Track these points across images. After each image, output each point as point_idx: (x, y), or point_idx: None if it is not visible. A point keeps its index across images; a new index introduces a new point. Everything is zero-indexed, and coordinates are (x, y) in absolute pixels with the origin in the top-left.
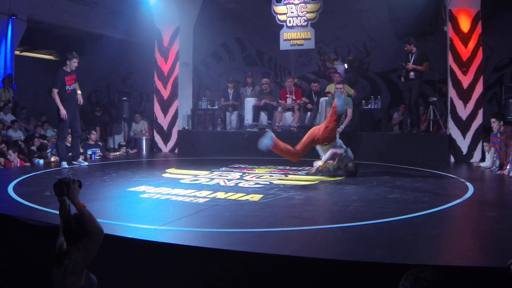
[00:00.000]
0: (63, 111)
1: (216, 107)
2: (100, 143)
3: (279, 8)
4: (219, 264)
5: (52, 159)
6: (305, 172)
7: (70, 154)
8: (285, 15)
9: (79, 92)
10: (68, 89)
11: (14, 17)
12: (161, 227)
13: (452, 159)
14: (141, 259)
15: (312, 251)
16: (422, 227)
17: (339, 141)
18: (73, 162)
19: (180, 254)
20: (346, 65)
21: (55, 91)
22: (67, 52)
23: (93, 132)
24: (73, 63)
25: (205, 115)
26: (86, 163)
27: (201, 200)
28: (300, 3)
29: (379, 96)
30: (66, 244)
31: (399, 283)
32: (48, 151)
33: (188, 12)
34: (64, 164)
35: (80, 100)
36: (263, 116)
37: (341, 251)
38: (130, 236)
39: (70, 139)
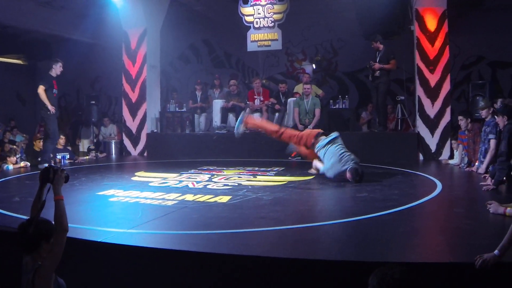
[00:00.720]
0: (50, 106)
1: (184, 109)
2: (69, 147)
3: (246, 10)
4: (187, 265)
5: (22, 164)
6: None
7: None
8: (252, 16)
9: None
10: (55, 92)
11: None
12: (130, 230)
13: (421, 157)
14: (110, 263)
15: (280, 251)
16: (390, 225)
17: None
18: (39, 166)
19: (148, 256)
20: (314, 66)
21: (42, 87)
22: (36, 57)
23: (61, 136)
24: (59, 68)
25: (173, 117)
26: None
27: (170, 203)
28: (267, 4)
29: (347, 96)
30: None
31: (368, 280)
32: (17, 156)
33: (155, 14)
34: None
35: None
36: (232, 118)
37: (309, 250)
38: (99, 240)
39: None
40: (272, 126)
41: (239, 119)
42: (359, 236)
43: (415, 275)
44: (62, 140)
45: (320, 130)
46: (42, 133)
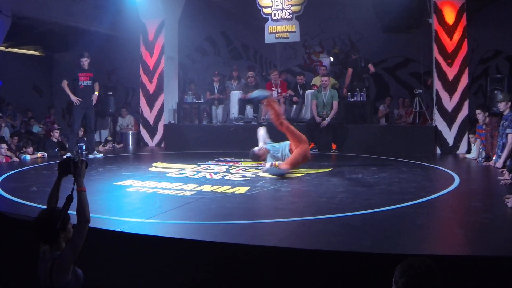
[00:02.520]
0: (73, 97)
1: (202, 101)
2: (85, 138)
3: (264, 1)
4: (205, 255)
5: (39, 154)
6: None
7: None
8: (270, 8)
9: (96, 93)
10: (81, 84)
11: None
12: (148, 220)
13: (438, 151)
14: (128, 252)
15: (298, 242)
16: (408, 218)
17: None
18: (89, 156)
19: (166, 246)
20: (331, 58)
21: (65, 82)
22: (53, 48)
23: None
24: (82, 61)
25: (190, 109)
26: (102, 155)
27: (188, 193)
28: None
29: (364, 89)
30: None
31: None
32: (34, 146)
33: (173, 6)
34: (96, 153)
35: (94, 100)
36: (249, 109)
37: (327, 241)
38: (116, 230)
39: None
40: (280, 110)
41: (264, 95)
42: (376, 228)
43: (439, 270)
44: (56, 133)
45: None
46: (48, 124)
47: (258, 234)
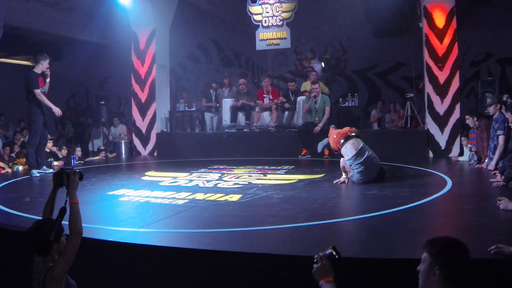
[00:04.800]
0: (55, 108)
1: (194, 109)
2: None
3: (254, 8)
4: (199, 264)
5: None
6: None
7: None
8: (261, 15)
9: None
10: (41, 90)
11: None
12: (141, 229)
13: (430, 154)
14: (121, 262)
15: (291, 248)
16: (401, 222)
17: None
18: (38, 171)
19: (160, 255)
20: (323, 64)
21: (38, 91)
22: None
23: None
24: (46, 64)
25: (183, 117)
26: (51, 170)
27: (180, 202)
28: (275, 2)
29: (356, 94)
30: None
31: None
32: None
33: (164, 14)
34: (35, 172)
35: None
36: (241, 117)
37: (319, 247)
38: (110, 239)
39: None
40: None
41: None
42: (369, 233)
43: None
44: (49, 144)
45: (348, 133)
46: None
47: (251, 241)
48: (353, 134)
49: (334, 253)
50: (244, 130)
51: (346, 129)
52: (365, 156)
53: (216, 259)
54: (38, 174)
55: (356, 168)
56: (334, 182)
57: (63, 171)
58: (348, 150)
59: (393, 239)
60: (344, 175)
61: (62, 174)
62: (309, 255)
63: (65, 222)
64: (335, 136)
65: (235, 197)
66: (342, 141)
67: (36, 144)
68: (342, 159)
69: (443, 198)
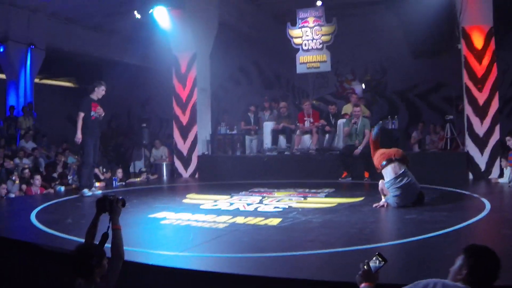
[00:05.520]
0: (79, 135)
1: (235, 131)
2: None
3: (294, 32)
4: None
5: (74, 186)
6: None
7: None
8: (301, 39)
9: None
10: (93, 115)
11: (33, 46)
12: (181, 253)
13: (470, 176)
14: (161, 286)
15: (327, 274)
16: (437, 248)
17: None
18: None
19: (199, 279)
20: (363, 85)
21: (81, 114)
22: (86, 79)
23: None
24: (101, 91)
25: (224, 139)
26: (100, 192)
27: (221, 226)
28: (315, 26)
29: (396, 116)
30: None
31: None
32: (69, 177)
33: (204, 38)
34: (86, 192)
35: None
36: (282, 140)
37: (356, 273)
38: (150, 263)
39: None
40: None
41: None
42: (406, 259)
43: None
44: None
45: (392, 156)
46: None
47: (289, 267)
48: (397, 158)
49: (380, 259)
50: (285, 153)
51: (393, 151)
52: (404, 182)
53: (253, 285)
54: (90, 194)
55: (393, 192)
56: (374, 205)
57: (106, 197)
58: (388, 173)
59: (429, 266)
60: (383, 198)
61: (105, 200)
62: (346, 281)
63: (107, 245)
64: (379, 155)
65: (275, 221)
66: (384, 162)
67: (91, 164)
68: (380, 181)
69: (481, 222)
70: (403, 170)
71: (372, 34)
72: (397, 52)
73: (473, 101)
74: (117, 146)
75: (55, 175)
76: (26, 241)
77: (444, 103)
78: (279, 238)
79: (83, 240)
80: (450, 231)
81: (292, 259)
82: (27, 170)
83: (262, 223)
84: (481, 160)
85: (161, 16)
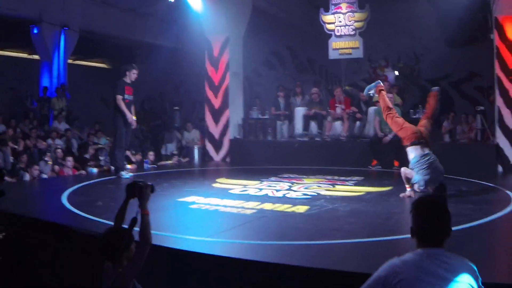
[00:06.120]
0: (129, 115)
1: (267, 116)
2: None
3: (327, 17)
4: (259, 276)
5: (105, 167)
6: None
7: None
8: (333, 24)
9: (134, 117)
10: (126, 98)
11: (67, 28)
12: (208, 238)
13: (500, 169)
14: (187, 269)
15: (348, 265)
16: (458, 242)
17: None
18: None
19: (224, 265)
20: (396, 72)
21: (120, 97)
22: (120, 61)
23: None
24: (133, 75)
25: (256, 124)
26: (131, 174)
27: (248, 212)
28: (348, 12)
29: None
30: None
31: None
32: (101, 159)
33: (238, 22)
34: (124, 174)
35: (133, 124)
36: (313, 126)
37: (377, 264)
38: (177, 247)
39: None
40: (388, 103)
41: (373, 84)
42: None
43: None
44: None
45: (415, 139)
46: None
47: (311, 256)
48: (422, 141)
49: None
50: (316, 139)
51: (421, 131)
52: (430, 160)
53: (276, 272)
54: (128, 176)
55: (421, 169)
56: (401, 195)
57: (136, 183)
58: (414, 150)
59: None
60: (408, 188)
61: (134, 186)
62: (367, 272)
63: (135, 229)
64: (404, 127)
65: (302, 209)
66: (408, 143)
67: (124, 146)
68: (402, 169)
69: (505, 217)
70: (426, 151)
71: (405, 21)
72: (431, 40)
73: (504, 92)
74: (150, 129)
75: (87, 156)
76: (56, 223)
77: (477, 93)
78: (305, 226)
79: (112, 223)
80: (473, 225)
81: (315, 248)
82: (59, 151)
83: (290, 210)
84: (511, 153)
85: None
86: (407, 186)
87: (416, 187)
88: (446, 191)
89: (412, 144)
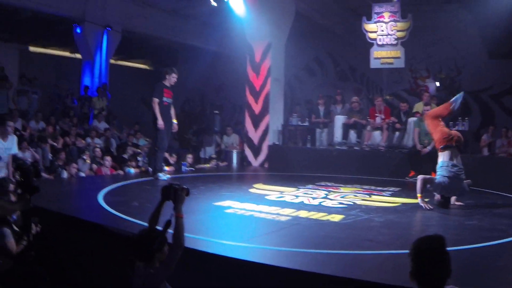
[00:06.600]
0: (160, 121)
1: (307, 123)
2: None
3: (369, 26)
4: (290, 284)
5: (143, 168)
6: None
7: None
8: (375, 33)
9: (174, 121)
10: (165, 101)
11: (109, 28)
12: (241, 243)
13: None
14: (218, 274)
15: (379, 276)
16: (490, 258)
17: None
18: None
19: (255, 271)
20: (437, 83)
21: (156, 100)
22: (162, 62)
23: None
24: (172, 78)
25: (295, 130)
26: (167, 177)
27: (283, 218)
28: (390, 21)
29: (466, 118)
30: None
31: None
32: (139, 159)
33: (280, 28)
34: (162, 175)
35: (175, 126)
36: (352, 134)
37: (405, 277)
38: (210, 251)
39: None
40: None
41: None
42: (457, 267)
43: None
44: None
45: (446, 142)
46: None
47: (343, 265)
48: (456, 145)
49: None
50: (355, 148)
51: (455, 136)
52: (455, 171)
53: (307, 281)
54: (165, 178)
55: (444, 175)
56: (424, 207)
57: (171, 186)
58: (445, 155)
59: (479, 276)
60: (419, 198)
61: (170, 188)
62: (396, 284)
63: (169, 231)
64: (442, 132)
65: (337, 218)
66: (442, 146)
67: (165, 148)
68: (421, 176)
69: None
70: (455, 162)
71: (447, 31)
72: (472, 51)
73: None
74: (194, 132)
75: (125, 156)
76: (91, 221)
77: None
78: (339, 235)
79: (146, 225)
80: (507, 241)
81: (348, 258)
82: (98, 150)
83: (324, 218)
84: None
85: (237, 4)
86: (418, 195)
87: (430, 187)
88: (449, 206)
89: (444, 148)
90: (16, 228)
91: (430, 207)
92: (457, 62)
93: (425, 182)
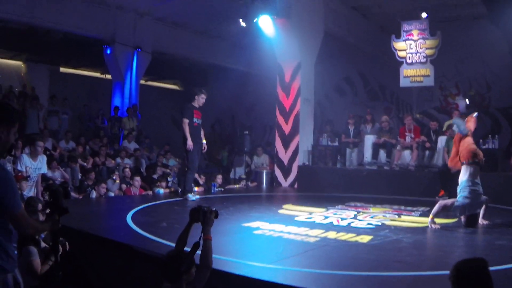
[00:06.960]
0: (189, 142)
1: (337, 143)
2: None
3: (398, 44)
4: None
5: (172, 189)
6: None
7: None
8: (405, 51)
9: (204, 141)
10: (195, 122)
11: (139, 49)
12: (269, 265)
13: None
14: None
15: None
16: None
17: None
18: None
19: None
20: (467, 101)
21: (186, 121)
22: (192, 83)
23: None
24: (201, 99)
25: (325, 150)
26: (197, 197)
27: (312, 239)
28: (419, 39)
29: (497, 136)
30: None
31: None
32: (169, 180)
33: (309, 48)
34: (191, 196)
35: (205, 147)
36: (382, 154)
37: None
38: (237, 273)
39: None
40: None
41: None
42: None
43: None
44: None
45: (470, 158)
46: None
47: (371, 287)
48: (477, 161)
49: None
50: (385, 167)
51: (477, 152)
52: (478, 189)
53: None
54: (194, 198)
55: (465, 195)
56: (433, 227)
57: (200, 208)
58: (468, 171)
59: None
60: (430, 219)
61: (199, 211)
62: None
63: (197, 252)
64: (470, 149)
65: (366, 239)
66: (471, 161)
67: (196, 169)
68: (440, 201)
69: None
70: (478, 181)
71: (476, 48)
72: (502, 67)
73: None
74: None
75: (155, 176)
76: (119, 241)
77: None
78: (367, 256)
79: (174, 246)
80: None
81: (375, 280)
82: (127, 170)
83: (353, 239)
84: None
85: (266, 24)
86: (431, 216)
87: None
88: (477, 225)
89: (468, 163)
90: (45, 244)
91: (437, 227)
92: (487, 79)
93: (444, 208)
